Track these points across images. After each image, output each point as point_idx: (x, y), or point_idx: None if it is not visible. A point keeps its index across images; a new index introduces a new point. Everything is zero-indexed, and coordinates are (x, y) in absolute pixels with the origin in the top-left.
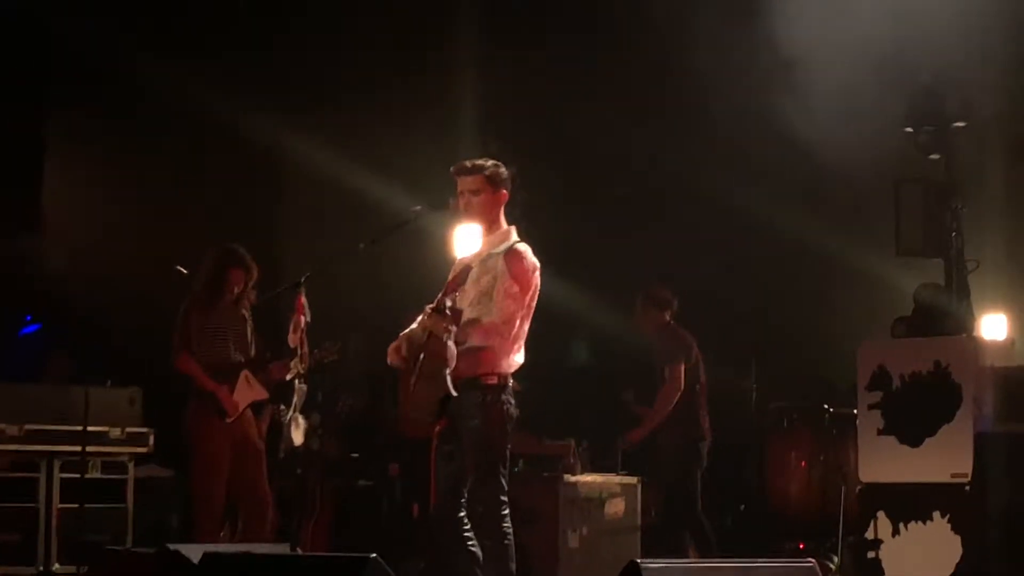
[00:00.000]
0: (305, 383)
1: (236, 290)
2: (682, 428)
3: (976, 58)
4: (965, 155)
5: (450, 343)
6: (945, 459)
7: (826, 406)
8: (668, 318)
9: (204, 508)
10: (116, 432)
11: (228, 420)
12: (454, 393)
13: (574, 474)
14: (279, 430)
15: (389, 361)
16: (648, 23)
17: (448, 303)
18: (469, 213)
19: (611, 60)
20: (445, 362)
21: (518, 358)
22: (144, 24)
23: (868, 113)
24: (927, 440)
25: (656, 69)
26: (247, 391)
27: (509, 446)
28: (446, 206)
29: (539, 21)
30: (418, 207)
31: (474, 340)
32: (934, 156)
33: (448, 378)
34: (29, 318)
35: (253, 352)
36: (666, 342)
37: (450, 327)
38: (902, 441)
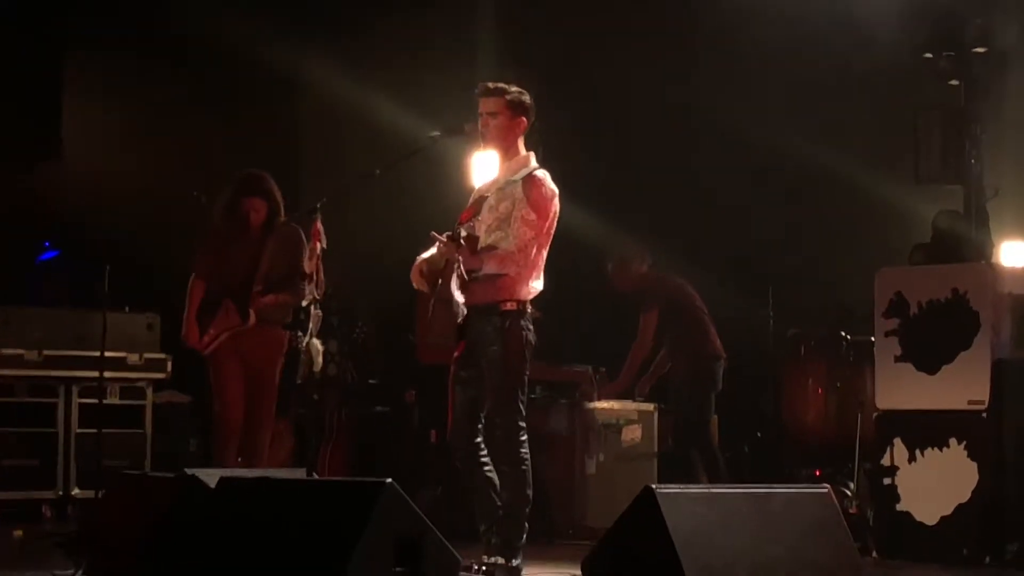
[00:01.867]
0: (321, 309)
1: (255, 217)
2: (693, 352)
3: None
4: (984, 81)
5: (458, 271)
6: (962, 386)
7: (843, 333)
8: (644, 268)
9: (216, 431)
10: (134, 357)
11: (190, 345)
12: (460, 317)
13: (592, 400)
14: (296, 356)
15: (413, 284)
16: None
17: (462, 232)
18: (486, 136)
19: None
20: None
21: (537, 284)
22: None
23: (887, 38)
24: (944, 367)
25: (678, 3)
26: (224, 319)
27: (528, 372)
28: (462, 130)
29: None
30: (435, 132)
31: (490, 267)
32: (953, 82)
33: (457, 304)
34: (48, 244)
35: (260, 276)
36: (641, 294)
37: (460, 255)
38: (919, 368)
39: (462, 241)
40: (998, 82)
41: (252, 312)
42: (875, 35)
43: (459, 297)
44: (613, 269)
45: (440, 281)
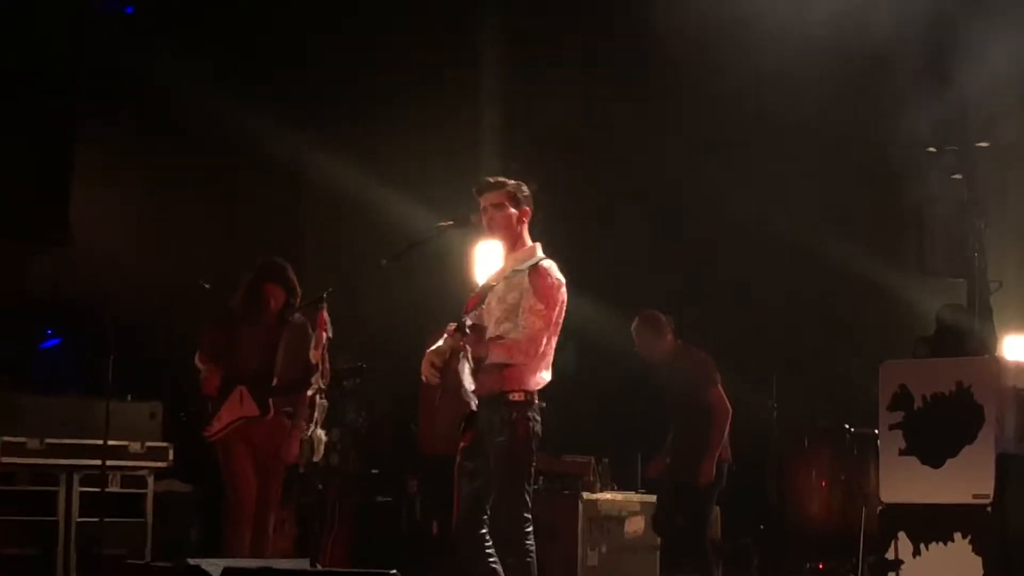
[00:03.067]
0: (326, 399)
1: (274, 305)
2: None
3: (999, 78)
4: (987, 175)
5: (466, 359)
6: (967, 480)
7: (847, 426)
8: (675, 338)
9: (230, 519)
10: (136, 446)
11: (204, 434)
12: (473, 407)
13: (593, 491)
14: (300, 445)
15: (424, 378)
16: (669, 43)
17: (468, 322)
18: (492, 229)
19: (631, 80)
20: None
21: (545, 375)
22: (173, 40)
23: (892, 132)
24: (949, 461)
25: (682, 83)
26: (236, 407)
27: (534, 463)
28: (469, 222)
29: (561, 40)
30: (441, 223)
31: (498, 356)
32: (957, 176)
33: (467, 392)
34: (50, 332)
35: (278, 370)
36: (697, 365)
37: (466, 343)
38: (924, 462)
39: (467, 330)
40: (1001, 176)
41: (271, 404)
42: (881, 131)
43: (469, 385)
44: (647, 331)
45: (447, 373)
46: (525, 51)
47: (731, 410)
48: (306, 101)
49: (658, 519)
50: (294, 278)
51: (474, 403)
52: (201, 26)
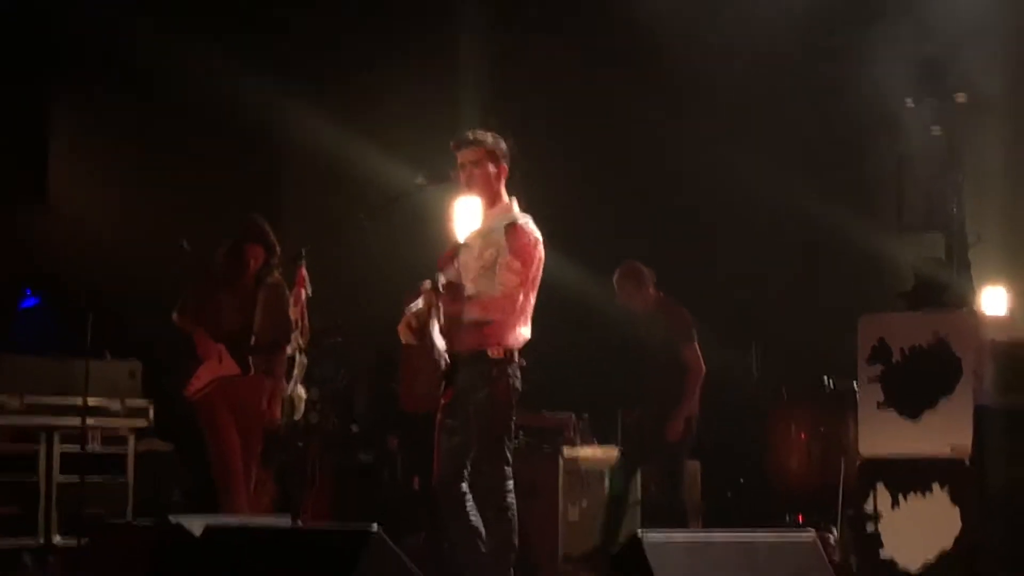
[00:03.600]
0: (305, 356)
1: (253, 264)
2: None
3: (978, 30)
4: (966, 129)
5: (437, 318)
6: (945, 432)
7: (826, 379)
8: (656, 291)
9: (220, 479)
10: (116, 405)
11: (184, 393)
12: (442, 365)
13: (574, 447)
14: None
15: (402, 338)
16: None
17: (441, 280)
18: (470, 186)
19: (610, 38)
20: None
21: (524, 331)
22: (148, 2)
23: (870, 86)
24: (927, 413)
25: (659, 43)
26: (216, 366)
27: (514, 419)
28: (448, 178)
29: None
30: (419, 180)
31: (474, 313)
32: (935, 130)
33: (438, 350)
34: (29, 291)
35: (256, 330)
36: (675, 321)
37: (439, 301)
38: (902, 414)
39: (440, 288)
40: (979, 130)
41: (251, 362)
42: (858, 83)
43: (440, 343)
44: (628, 281)
45: (426, 332)
46: (503, 5)
47: (705, 369)
48: (283, 59)
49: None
50: (273, 237)
51: (444, 361)
52: None
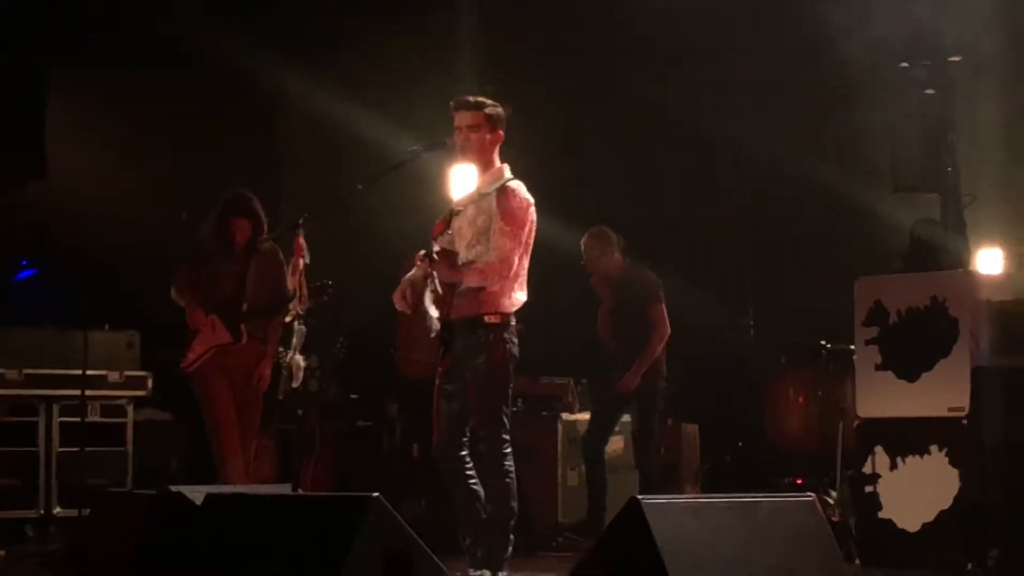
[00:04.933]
0: (304, 325)
1: (240, 237)
2: (656, 364)
3: None
4: (960, 90)
5: (431, 287)
6: (942, 393)
7: (823, 342)
8: (623, 257)
9: (216, 449)
10: (115, 376)
11: (180, 366)
12: (432, 334)
13: (572, 412)
14: (279, 371)
15: (396, 306)
16: None
17: (436, 248)
18: (465, 150)
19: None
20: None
21: (520, 296)
22: None
23: (864, 48)
24: (924, 375)
25: (643, 7)
26: (209, 335)
27: (512, 385)
28: (443, 145)
29: None
30: (414, 147)
31: (472, 280)
32: (929, 91)
33: (431, 318)
34: (25, 263)
35: (248, 297)
36: (642, 282)
37: (434, 270)
38: (899, 376)
39: (435, 256)
40: (973, 91)
41: (244, 329)
42: (852, 45)
43: (432, 311)
44: (594, 246)
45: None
46: None
47: (670, 331)
48: (281, 29)
49: (585, 437)
50: (259, 208)
51: (435, 329)
52: None
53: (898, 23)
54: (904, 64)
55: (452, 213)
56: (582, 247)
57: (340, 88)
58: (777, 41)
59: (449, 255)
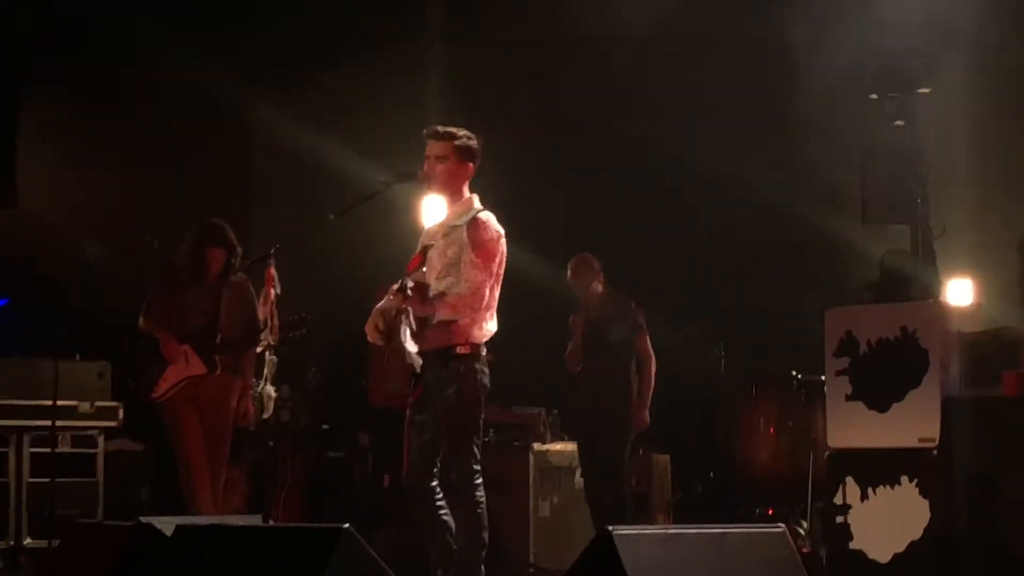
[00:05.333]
0: (275, 355)
1: (215, 267)
2: (627, 393)
3: (940, 24)
4: (929, 121)
5: (407, 322)
6: (913, 424)
7: (794, 372)
8: (604, 285)
9: (185, 480)
10: (85, 406)
11: (151, 396)
12: (416, 369)
13: (544, 443)
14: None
15: (369, 338)
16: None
17: (409, 283)
18: (431, 180)
19: (577, 30)
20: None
21: (490, 326)
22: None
23: (834, 79)
24: (895, 405)
25: (617, 41)
26: (182, 367)
27: (483, 415)
28: (413, 176)
29: None
30: (385, 178)
31: (444, 314)
32: (899, 122)
33: (410, 355)
34: None
35: (219, 330)
36: (627, 313)
37: (409, 305)
38: (870, 406)
39: (409, 292)
40: (943, 122)
41: (217, 360)
42: (822, 76)
43: (411, 347)
44: (583, 271)
45: (393, 331)
46: (471, 3)
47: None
48: (251, 57)
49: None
50: (233, 237)
51: (417, 365)
52: None
53: (867, 55)
54: (873, 96)
55: (426, 248)
56: (569, 271)
57: (311, 118)
58: (749, 73)
59: (422, 288)
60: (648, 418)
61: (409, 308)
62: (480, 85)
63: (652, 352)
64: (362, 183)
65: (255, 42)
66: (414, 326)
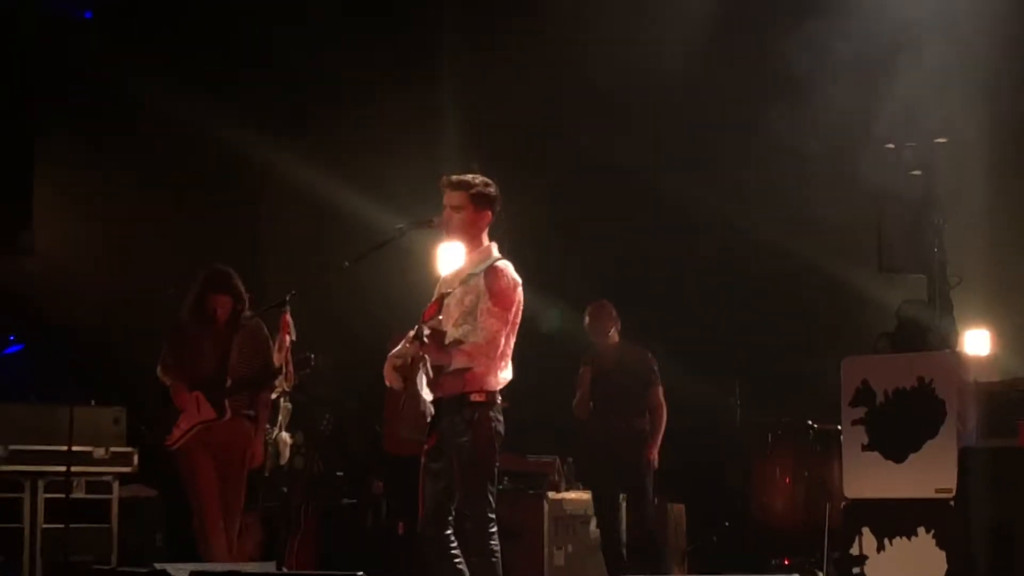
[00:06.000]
0: (290, 402)
1: (221, 313)
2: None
3: (957, 74)
4: (947, 171)
5: (424, 369)
6: (929, 474)
7: (810, 422)
8: (618, 332)
9: (199, 527)
10: (100, 452)
11: (164, 444)
12: (428, 418)
13: (559, 491)
14: (265, 448)
15: (387, 381)
16: (629, 42)
17: (425, 330)
18: (449, 229)
19: (594, 82)
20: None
21: (505, 374)
22: (134, 43)
23: (852, 128)
24: (911, 455)
25: (641, 83)
26: (194, 413)
27: (497, 463)
28: (429, 223)
29: (526, 40)
30: (400, 225)
31: (460, 362)
32: (916, 172)
33: (425, 402)
34: (13, 338)
35: (228, 376)
36: (642, 362)
37: (425, 352)
38: (886, 457)
39: (425, 339)
40: (960, 172)
41: (228, 406)
42: (839, 125)
43: (427, 395)
44: (603, 317)
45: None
46: (487, 51)
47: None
48: (267, 102)
49: (603, 515)
50: (239, 284)
51: (430, 413)
52: (162, 29)
53: (884, 104)
54: (890, 145)
55: (443, 296)
56: (588, 320)
57: (328, 164)
58: (765, 121)
59: (438, 336)
60: (657, 459)
61: (425, 355)
62: (495, 130)
63: (664, 401)
64: (379, 230)
65: (271, 85)
66: (430, 373)
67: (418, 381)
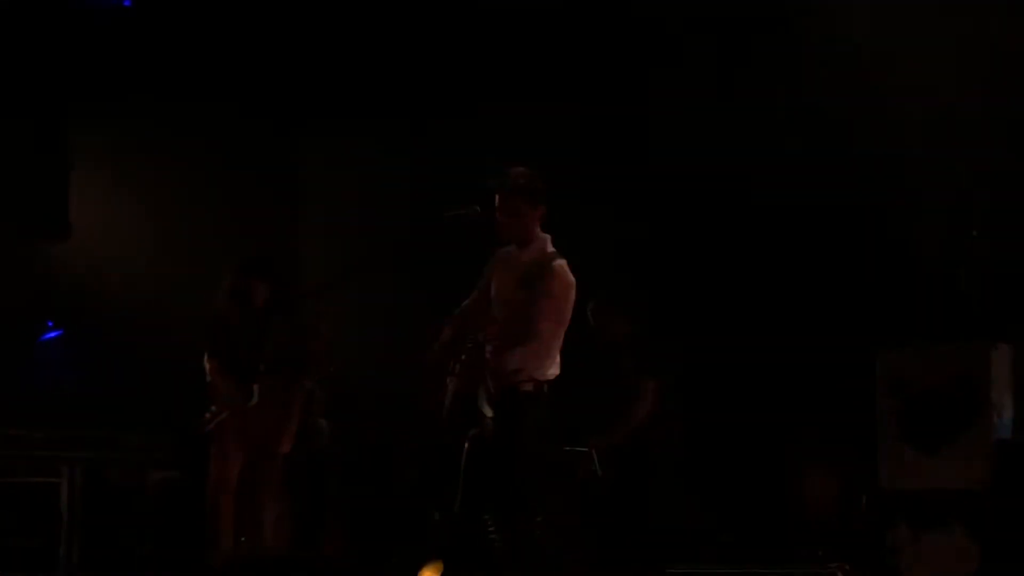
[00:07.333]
0: (324, 389)
1: (257, 298)
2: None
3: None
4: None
5: (485, 387)
6: (964, 466)
7: (844, 412)
8: (627, 326)
9: (210, 511)
10: (136, 437)
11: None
12: (488, 414)
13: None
14: (299, 435)
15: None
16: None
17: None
18: (500, 231)
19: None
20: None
21: (554, 369)
22: (171, 34)
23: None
24: (946, 447)
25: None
26: (228, 399)
27: (541, 453)
28: (476, 212)
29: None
30: (451, 211)
31: (513, 364)
32: None
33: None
34: (51, 324)
35: (263, 360)
36: (644, 355)
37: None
38: (921, 448)
39: (470, 345)
40: None
41: (255, 390)
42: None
43: (487, 412)
44: (608, 311)
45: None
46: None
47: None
48: (302, 96)
49: None
50: (278, 270)
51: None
52: (199, 23)
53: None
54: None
55: (498, 291)
56: (590, 312)
57: (362, 157)
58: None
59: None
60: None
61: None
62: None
63: (655, 401)
64: (417, 220)
65: (307, 83)
66: (492, 391)
67: (480, 403)
